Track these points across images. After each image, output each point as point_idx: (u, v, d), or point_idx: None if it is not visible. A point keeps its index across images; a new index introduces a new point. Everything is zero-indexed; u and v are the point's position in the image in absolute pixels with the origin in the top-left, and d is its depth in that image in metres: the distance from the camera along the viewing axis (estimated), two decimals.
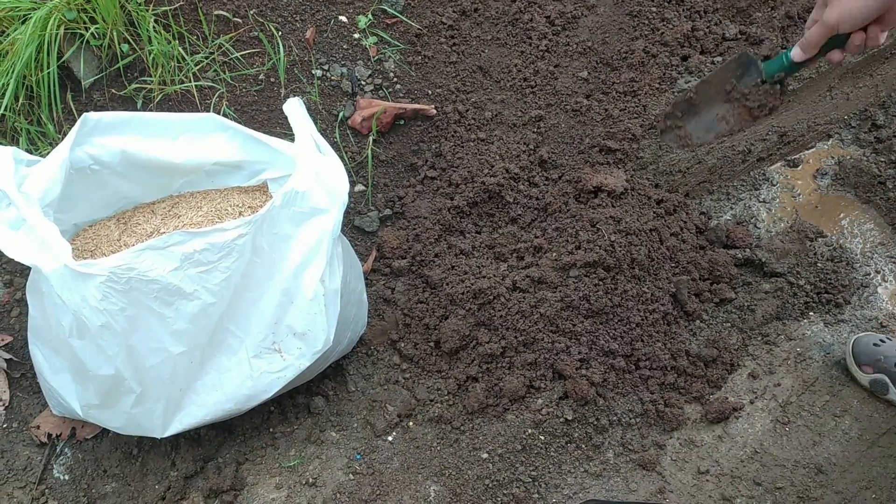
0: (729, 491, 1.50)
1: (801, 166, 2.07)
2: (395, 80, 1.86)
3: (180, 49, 1.69)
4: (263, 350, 1.38)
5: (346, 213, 1.78)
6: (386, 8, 1.86)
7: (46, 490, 1.46)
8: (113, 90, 1.70)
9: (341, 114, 1.80)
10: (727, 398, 1.60)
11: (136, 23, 1.67)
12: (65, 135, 1.50)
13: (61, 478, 1.48)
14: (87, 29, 1.64)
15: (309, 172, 1.40)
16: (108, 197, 1.53)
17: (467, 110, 1.87)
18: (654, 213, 1.80)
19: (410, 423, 1.58)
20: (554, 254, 1.69)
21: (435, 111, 1.85)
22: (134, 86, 1.69)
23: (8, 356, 1.54)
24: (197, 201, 1.53)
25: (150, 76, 1.68)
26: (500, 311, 1.61)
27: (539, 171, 1.83)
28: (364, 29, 1.84)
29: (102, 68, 1.69)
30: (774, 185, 2.03)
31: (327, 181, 1.41)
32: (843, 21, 1.11)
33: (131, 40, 1.68)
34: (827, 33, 1.14)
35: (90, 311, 1.22)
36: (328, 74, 1.82)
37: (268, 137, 1.48)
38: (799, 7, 2.05)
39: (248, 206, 1.51)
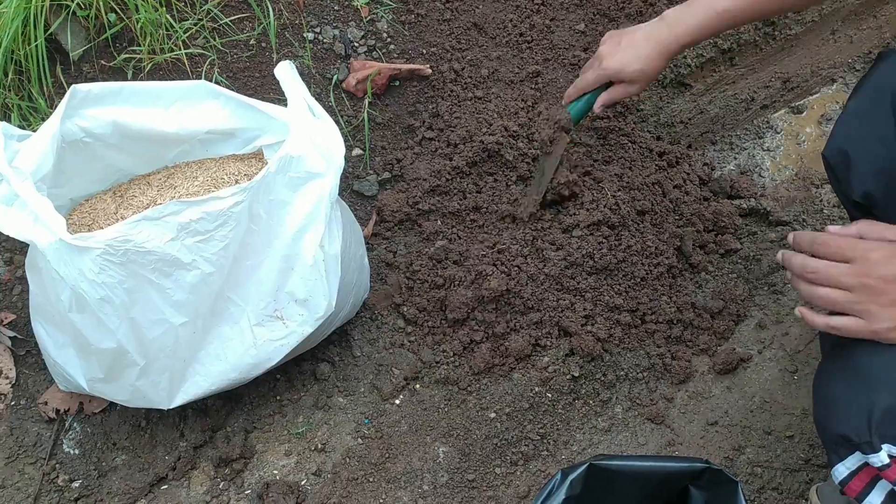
0: (739, 441, 1.50)
1: (805, 112, 2.04)
2: (389, 40, 1.82)
3: (168, 17, 1.66)
4: (266, 318, 1.37)
5: (345, 178, 1.76)
6: None
7: (57, 465, 1.47)
8: (102, 61, 1.67)
9: (335, 77, 1.77)
10: (735, 349, 1.59)
11: None
12: (56, 109, 1.48)
13: (71, 452, 1.48)
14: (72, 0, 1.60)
15: (303, 137, 1.38)
16: (102, 170, 1.52)
17: (463, 68, 1.83)
18: (657, 165, 1.78)
19: (417, 386, 1.58)
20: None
21: (430, 71, 1.81)
22: (123, 56, 1.66)
23: (12, 334, 1.54)
24: (192, 171, 1.51)
25: (139, 46, 1.65)
26: (508, 275, 1.60)
27: None
28: None
29: (90, 39, 1.66)
30: (779, 133, 2.00)
31: (322, 145, 1.39)
32: (639, 91, 1.48)
33: (118, 10, 1.65)
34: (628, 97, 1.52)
35: (88, 285, 1.21)
36: (320, 37, 1.78)
37: (261, 103, 1.45)
38: None
39: (245, 174, 1.49)
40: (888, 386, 0.89)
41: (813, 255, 1.01)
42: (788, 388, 1.56)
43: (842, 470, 0.94)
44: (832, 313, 0.98)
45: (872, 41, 2.06)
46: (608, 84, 1.51)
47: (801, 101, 2.05)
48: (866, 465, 0.91)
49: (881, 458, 0.88)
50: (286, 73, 1.43)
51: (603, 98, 1.52)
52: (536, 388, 1.53)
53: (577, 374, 1.53)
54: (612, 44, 1.47)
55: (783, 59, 2.03)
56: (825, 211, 1.78)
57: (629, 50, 1.44)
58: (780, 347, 1.61)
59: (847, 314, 0.96)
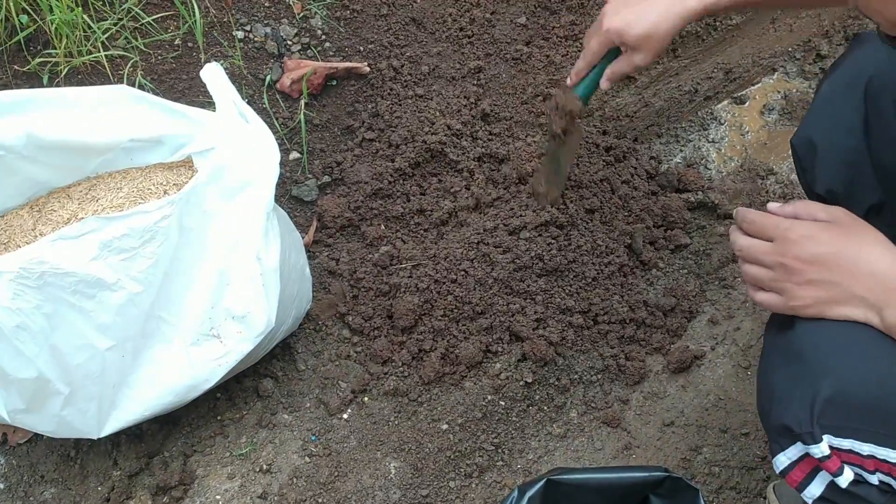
0: (695, 441, 1.48)
1: (748, 103, 2.03)
2: (324, 37, 1.74)
3: (85, 17, 1.56)
4: (201, 337, 1.29)
5: (283, 184, 1.68)
6: None
7: None
8: (15, 66, 1.56)
9: (268, 77, 1.68)
10: (688, 346, 1.57)
11: None
12: None
13: None
14: None
15: (234, 143, 1.30)
16: (18, 183, 1.41)
17: (402, 66, 1.77)
18: (604, 161, 1.74)
19: (365, 399, 1.51)
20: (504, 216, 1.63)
21: (368, 69, 1.74)
22: (38, 60, 1.55)
23: None
24: (116, 182, 1.42)
25: (55, 48, 1.55)
26: (455, 280, 1.55)
27: (482, 126, 1.75)
28: None
29: (1, 43, 1.55)
30: (723, 125, 1.99)
31: (255, 151, 1.32)
32: (649, 62, 1.25)
33: (30, 11, 1.54)
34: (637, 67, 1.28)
35: (2, 312, 1.12)
36: (251, 36, 1.70)
37: (188, 108, 1.37)
38: None
39: (174, 184, 1.40)
40: (830, 375, 0.88)
41: (744, 233, 1.01)
42: (742, 384, 1.54)
43: (783, 460, 0.94)
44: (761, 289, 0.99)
45: (811, 29, 2.06)
46: (617, 51, 1.30)
47: (744, 92, 2.04)
48: (807, 455, 0.91)
49: (821, 448, 0.87)
50: (214, 75, 1.35)
51: (608, 73, 1.31)
52: (489, 396, 1.48)
53: (530, 380, 1.49)
54: (620, 3, 1.25)
55: (725, 49, 2.02)
56: (771, 202, 1.77)
57: (636, 6, 1.22)
58: (733, 343, 1.59)
59: (770, 290, 0.97)
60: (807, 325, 0.94)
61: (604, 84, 1.34)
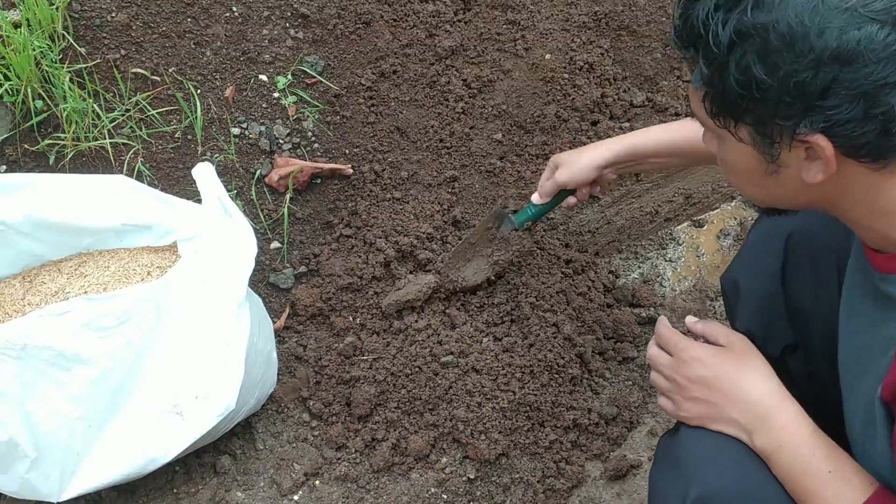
0: None
1: (705, 226, 2.17)
2: (314, 139, 1.89)
3: (95, 106, 1.70)
4: (165, 413, 1.38)
5: (262, 270, 1.80)
6: (306, 69, 1.90)
7: None
8: (25, 145, 1.70)
9: (258, 172, 1.83)
10: (626, 455, 1.66)
11: (50, 80, 1.68)
12: None
13: None
14: (0, 85, 1.64)
15: (216, 235, 1.42)
16: (13, 255, 1.53)
17: (384, 170, 1.91)
18: (563, 273, 1.87)
19: (317, 482, 1.59)
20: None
21: (351, 170, 1.89)
22: (47, 141, 1.69)
23: None
24: (105, 260, 1.54)
25: (64, 133, 1.69)
26: (410, 375, 1.65)
27: (452, 231, 1.88)
28: (284, 89, 1.88)
29: (16, 124, 1.69)
30: (680, 245, 2.13)
31: (234, 244, 1.44)
32: (570, 182, 1.55)
33: (46, 97, 1.69)
34: (559, 188, 1.58)
35: None
36: (246, 132, 1.85)
37: (177, 200, 1.50)
38: None
39: (157, 266, 1.52)
40: (697, 479, 0.99)
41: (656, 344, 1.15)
42: None
43: None
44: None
45: None
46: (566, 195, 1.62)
47: (703, 216, 2.19)
48: None
49: None
50: (204, 173, 1.49)
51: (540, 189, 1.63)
52: (433, 489, 1.57)
53: (472, 477, 1.57)
54: (567, 153, 1.61)
55: (686, 176, 2.17)
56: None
57: (581, 152, 1.58)
58: None
59: (667, 398, 1.11)
60: (688, 433, 1.07)
61: (534, 198, 1.64)
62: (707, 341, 1.12)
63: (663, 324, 1.15)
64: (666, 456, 1.11)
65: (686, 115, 2.11)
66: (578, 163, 1.55)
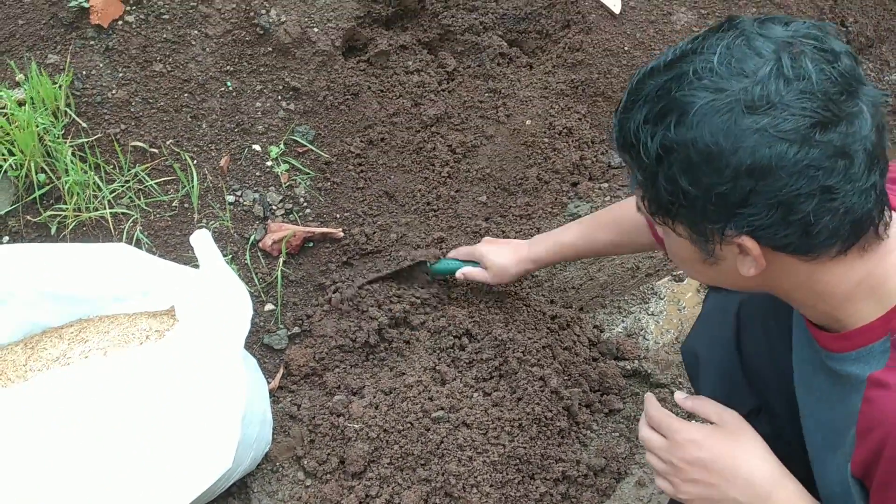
0: None
1: (685, 281, 2.24)
2: (305, 204, 1.97)
3: (96, 179, 1.78)
4: (162, 474, 1.42)
5: (256, 332, 1.85)
6: (297, 138, 1.99)
7: None
8: (28, 217, 1.77)
9: (252, 237, 1.90)
10: None
11: (53, 154, 1.76)
12: None
13: None
14: (5, 160, 1.72)
15: (212, 300, 1.48)
16: (16, 323, 1.58)
17: (374, 232, 1.99)
18: (548, 328, 1.93)
19: None
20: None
21: (342, 234, 1.96)
22: (48, 213, 1.76)
23: None
24: (105, 325, 1.59)
25: (66, 204, 1.76)
26: (402, 431, 1.69)
27: (441, 292, 1.95)
28: (276, 158, 1.97)
29: (19, 197, 1.76)
30: (662, 299, 2.19)
31: (230, 308, 1.50)
32: (494, 283, 1.82)
33: (48, 170, 1.76)
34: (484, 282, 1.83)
35: None
36: (241, 200, 1.92)
37: (175, 265, 1.57)
38: None
39: (155, 330, 1.58)
40: None
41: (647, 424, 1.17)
42: None
43: None
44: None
45: None
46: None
47: (682, 272, 2.26)
48: None
49: None
50: (201, 240, 1.55)
51: (465, 271, 1.85)
52: None
53: None
54: (494, 240, 1.87)
55: None
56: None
57: (500, 248, 1.80)
58: None
59: (665, 479, 1.12)
60: None
61: (458, 275, 1.85)
62: (697, 417, 1.14)
63: (652, 404, 1.16)
64: None
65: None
66: (503, 271, 1.77)
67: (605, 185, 2.14)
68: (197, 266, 1.59)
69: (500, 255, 1.77)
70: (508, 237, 2.05)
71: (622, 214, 1.55)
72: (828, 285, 0.94)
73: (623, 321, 2.13)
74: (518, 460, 1.69)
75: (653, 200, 0.94)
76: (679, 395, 1.17)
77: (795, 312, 1.08)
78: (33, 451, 1.30)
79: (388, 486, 1.66)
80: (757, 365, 1.29)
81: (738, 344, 1.30)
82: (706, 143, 0.86)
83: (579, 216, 2.09)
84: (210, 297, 1.48)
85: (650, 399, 1.17)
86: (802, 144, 0.83)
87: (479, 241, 2.05)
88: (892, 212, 0.94)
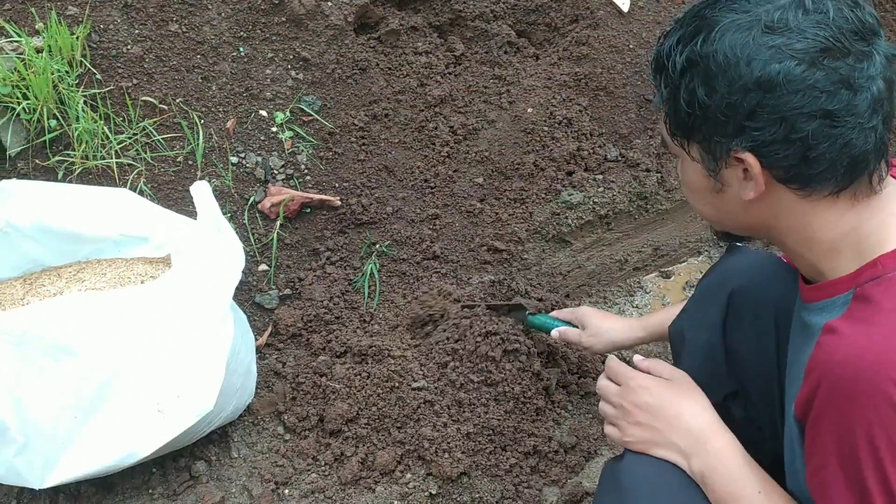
0: None
1: (672, 278, 2.29)
2: (306, 171, 2.03)
3: (105, 129, 1.84)
4: (147, 410, 1.47)
5: (249, 290, 1.91)
6: (303, 107, 2.04)
7: None
8: (37, 160, 1.82)
9: (252, 198, 1.95)
10: (582, 483, 1.74)
11: (66, 101, 1.82)
12: None
13: None
14: (18, 103, 1.77)
15: (207, 249, 1.53)
16: (16, 259, 1.63)
17: (370, 204, 2.04)
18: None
19: (286, 491, 1.67)
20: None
21: (339, 202, 2.01)
22: (57, 158, 1.82)
23: None
24: (102, 268, 1.64)
25: (74, 151, 1.82)
26: (381, 395, 1.74)
27: (432, 264, 2.00)
28: (281, 124, 2.02)
29: (30, 140, 1.82)
30: (648, 293, 2.24)
31: (224, 258, 1.55)
32: (588, 345, 1.70)
33: (59, 117, 1.82)
34: (579, 343, 1.72)
35: None
36: (244, 162, 1.98)
37: (174, 215, 1.62)
38: None
39: (151, 276, 1.63)
40: (636, 502, 1.09)
41: (606, 377, 1.25)
42: None
43: None
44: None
45: None
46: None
47: (670, 268, 2.32)
48: None
49: None
50: (201, 191, 1.61)
51: (561, 331, 1.76)
52: (396, 502, 1.64)
53: (434, 492, 1.65)
54: (597, 311, 1.78)
55: (655, 229, 2.30)
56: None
57: (606, 315, 1.74)
58: None
59: (613, 425, 1.20)
60: (631, 459, 1.15)
61: (553, 335, 1.77)
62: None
63: (613, 359, 1.26)
64: (609, 481, 1.18)
65: (656, 172, 2.26)
66: (604, 341, 1.69)
67: (600, 176, 2.19)
68: (195, 218, 1.65)
69: (605, 320, 1.71)
70: (501, 218, 2.10)
71: None
72: (817, 231, 1.00)
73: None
74: (491, 431, 1.74)
75: (673, 117, 1.03)
76: (637, 357, 1.26)
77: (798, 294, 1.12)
78: (21, 374, 1.35)
79: (364, 445, 1.71)
80: (739, 351, 1.34)
81: (724, 329, 1.35)
82: (725, 54, 0.95)
83: (572, 204, 2.14)
84: (205, 245, 1.53)
85: (612, 357, 1.27)
86: (810, 65, 0.91)
87: (471, 220, 2.10)
88: (890, 175, 1.00)
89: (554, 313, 1.83)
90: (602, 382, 1.24)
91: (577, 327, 1.74)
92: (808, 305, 1.05)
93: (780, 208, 1.01)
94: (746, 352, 1.35)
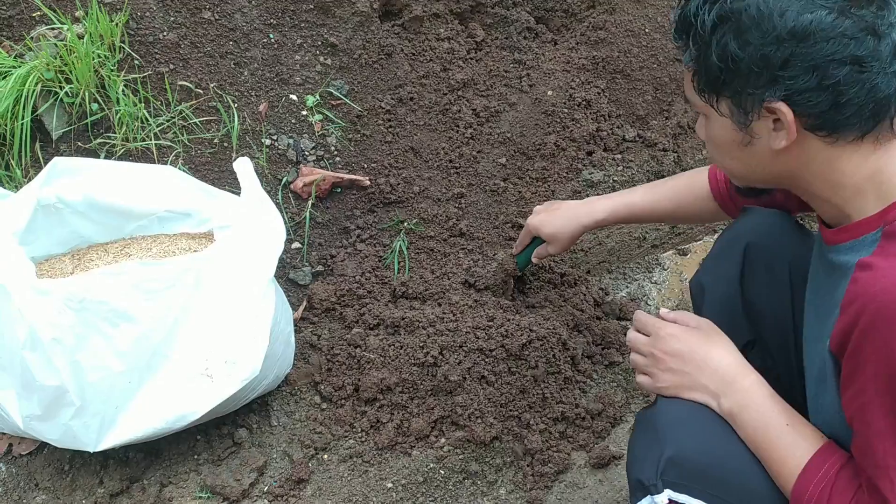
0: None
1: (689, 255, 2.36)
2: (336, 153, 2.09)
3: (145, 112, 1.91)
4: (196, 374, 1.54)
5: (283, 268, 1.97)
6: (332, 91, 2.11)
7: None
8: (79, 143, 1.89)
9: (285, 179, 2.02)
10: (609, 447, 1.81)
11: (106, 86, 1.89)
12: (30, 179, 1.68)
13: None
14: (61, 88, 1.84)
15: (250, 223, 1.60)
16: (66, 235, 1.70)
17: (398, 184, 2.11)
18: (553, 284, 2.04)
19: (325, 456, 1.74)
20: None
21: (369, 182, 2.08)
22: (98, 140, 1.89)
23: None
24: (147, 243, 1.71)
25: (115, 133, 1.89)
26: (416, 364, 1.81)
27: (459, 241, 2.07)
28: (311, 107, 2.09)
29: (72, 123, 1.89)
30: (665, 270, 2.31)
31: (266, 232, 1.62)
32: (559, 251, 1.80)
33: (101, 101, 1.89)
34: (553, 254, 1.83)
35: (44, 325, 1.38)
36: (276, 144, 2.05)
37: (217, 191, 1.69)
38: (689, 119, 2.38)
39: (194, 251, 1.70)
40: (672, 441, 1.14)
41: (635, 330, 1.31)
42: None
43: None
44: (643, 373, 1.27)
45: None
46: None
47: (687, 246, 2.38)
48: None
49: (662, 499, 1.12)
50: (244, 167, 1.68)
51: (536, 252, 1.88)
52: (432, 465, 1.71)
53: (468, 456, 1.72)
54: (544, 208, 1.84)
55: None
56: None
57: (551, 216, 1.79)
58: None
59: (644, 374, 1.26)
60: (664, 402, 1.22)
61: (534, 259, 1.90)
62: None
63: (641, 312, 1.32)
64: (643, 425, 1.25)
65: (672, 152, 2.32)
66: (558, 238, 1.77)
67: (619, 156, 2.26)
68: (236, 196, 1.71)
69: (552, 225, 1.78)
70: (524, 197, 2.17)
71: (690, 181, 1.65)
72: (843, 175, 1.05)
73: (627, 287, 2.25)
74: (526, 398, 1.81)
75: (703, 73, 1.07)
76: (663, 310, 1.32)
77: (817, 235, 1.17)
78: (82, 338, 1.42)
79: (399, 412, 1.78)
80: (757, 303, 1.41)
81: (741, 281, 1.42)
82: (757, 7, 0.99)
83: (593, 182, 2.21)
84: (248, 218, 1.60)
85: (640, 311, 1.33)
86: (840, 14, 0.97)
87: (495, 199, 2.17)
88: None
89: (517, 242, 1.94)
90: (632, 335, 1.30)
91: (542, 242, 1.84)
92: (834, 247, 1.10)
93: (807, 156, 1.06)
94: (763, 303, 1.42)
